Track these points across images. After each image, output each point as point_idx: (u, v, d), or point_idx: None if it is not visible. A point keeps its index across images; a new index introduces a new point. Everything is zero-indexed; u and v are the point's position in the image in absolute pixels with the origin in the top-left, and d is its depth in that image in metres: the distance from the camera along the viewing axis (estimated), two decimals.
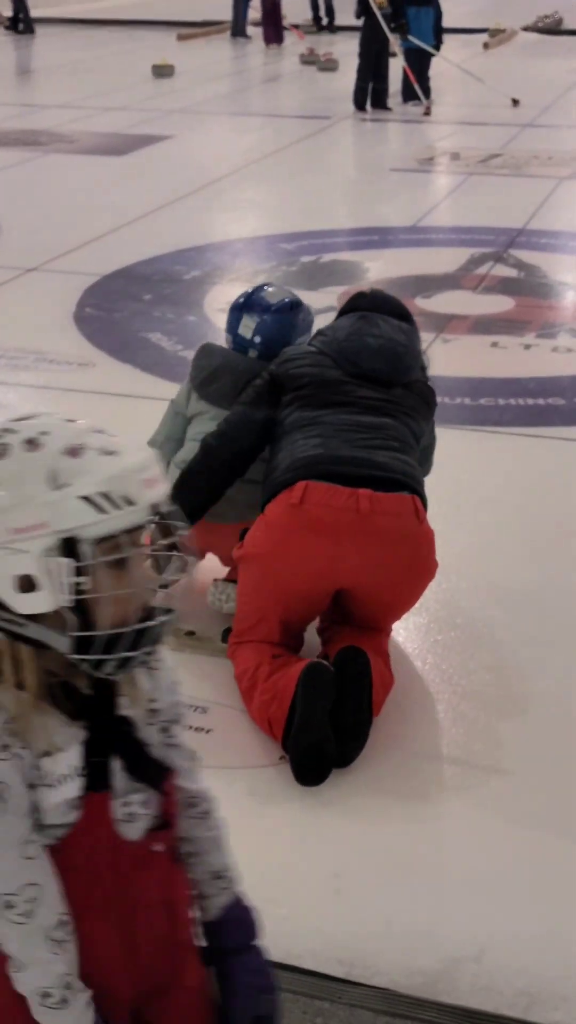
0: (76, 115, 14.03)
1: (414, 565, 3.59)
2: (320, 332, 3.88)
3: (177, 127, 13.34)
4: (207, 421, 3.97)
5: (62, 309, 7.25)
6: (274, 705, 3.40)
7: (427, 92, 14.65)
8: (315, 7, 22.94)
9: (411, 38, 14.23)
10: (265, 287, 4.16)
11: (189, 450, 4.00)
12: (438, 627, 4.06)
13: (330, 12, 22.75)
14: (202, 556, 4.09)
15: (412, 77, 14.61)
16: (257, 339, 4.03)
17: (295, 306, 4.09)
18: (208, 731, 3.54)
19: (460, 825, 3.25)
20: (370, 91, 14.36)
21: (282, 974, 2.25)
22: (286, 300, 4.09)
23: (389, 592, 3.60)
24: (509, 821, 3.24)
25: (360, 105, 14.37)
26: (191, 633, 3.98)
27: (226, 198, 10.29)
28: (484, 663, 3.89)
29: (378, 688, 3.45)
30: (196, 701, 3.63)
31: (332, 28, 22.73)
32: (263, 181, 10.95)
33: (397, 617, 3.78)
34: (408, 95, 14.77)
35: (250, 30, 21.33)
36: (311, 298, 7.41)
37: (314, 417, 3.61)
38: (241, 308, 4.08)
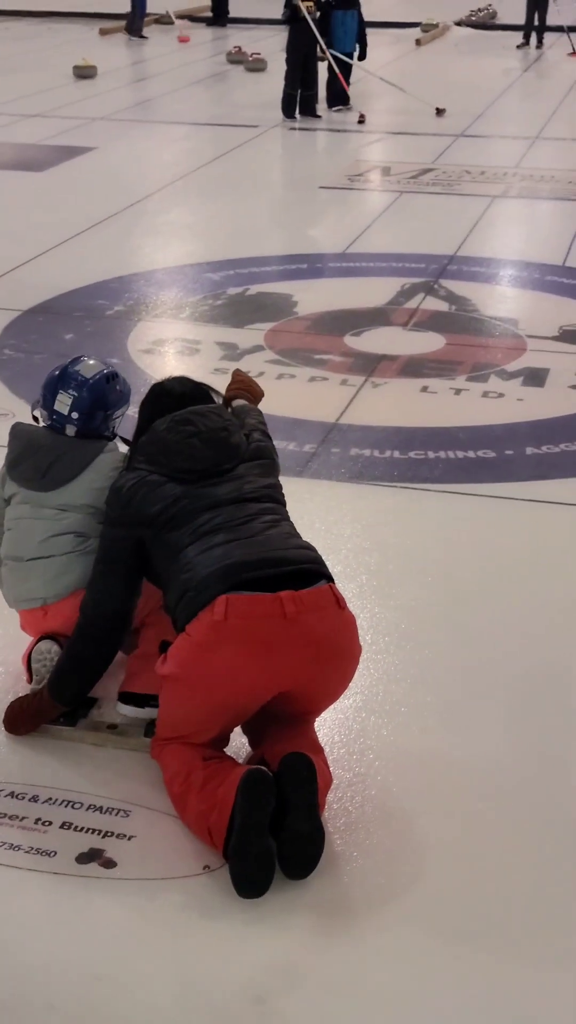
0: None
1: (344, 656, 3.53)
2: (139, 450, 3.77)
3: (100, 137, 13.05)
4: (18, 504, 3.97)
5: None
6: (214, 815, 3.31)
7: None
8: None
9: (333, 52, 14.11)
10: (81, 359, 4.08)
11: (9, 539, 3.98)
12: (367, 713, 3.95)
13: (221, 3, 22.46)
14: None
15: (344, 81, 14.48)
16: (75, 415, 3.97)
17: (111, 378, 4.04)
18: (131, 837, 3.41)
19: (407, 949, 3.09)
20: (299, 98, 14.17)
21: None
22: (102, 372, 4.03)
23: (322, 688, 3.55)
24: (462, 947, 3.09)
25: (289, 113, 14.19)
26: (113, 727, 3.85)
27: (151, 221, 10.07)
28: (416, 753, 3.76)
29: (323, 789, 3.39)
30: (118, 803, 3.52)
31: (219, 22, 22.48)
32: (189, 200, 10.75)
33: (328, 706, 3.69)
34: (333, 101, 14.62)
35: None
36: (237, 336, 7.38)
37: (194, 531, 3.52)
38: (56, 384, 4.01)
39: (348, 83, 14.57)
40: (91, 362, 4.07)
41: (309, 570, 3.47)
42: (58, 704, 3.80)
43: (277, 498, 3.70)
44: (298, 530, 3.66)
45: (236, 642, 3.34)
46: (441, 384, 6.70)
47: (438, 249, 9.19)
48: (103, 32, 21.08)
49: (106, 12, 22.54)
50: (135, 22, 20.56)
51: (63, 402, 3.97)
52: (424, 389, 6.64)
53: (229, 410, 3.96)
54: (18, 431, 4.09)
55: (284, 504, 3.73)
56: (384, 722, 3.91)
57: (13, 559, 3.96)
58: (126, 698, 3.89)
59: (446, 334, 7.47)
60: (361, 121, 14.03)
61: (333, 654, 3.46)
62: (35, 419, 4.08)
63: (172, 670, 3.46)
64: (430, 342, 7.35)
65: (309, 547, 3.58)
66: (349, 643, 3.51)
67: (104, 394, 4.00)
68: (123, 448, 4.01)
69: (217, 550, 3.45)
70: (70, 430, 3.98)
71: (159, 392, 3.89)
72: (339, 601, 3.47)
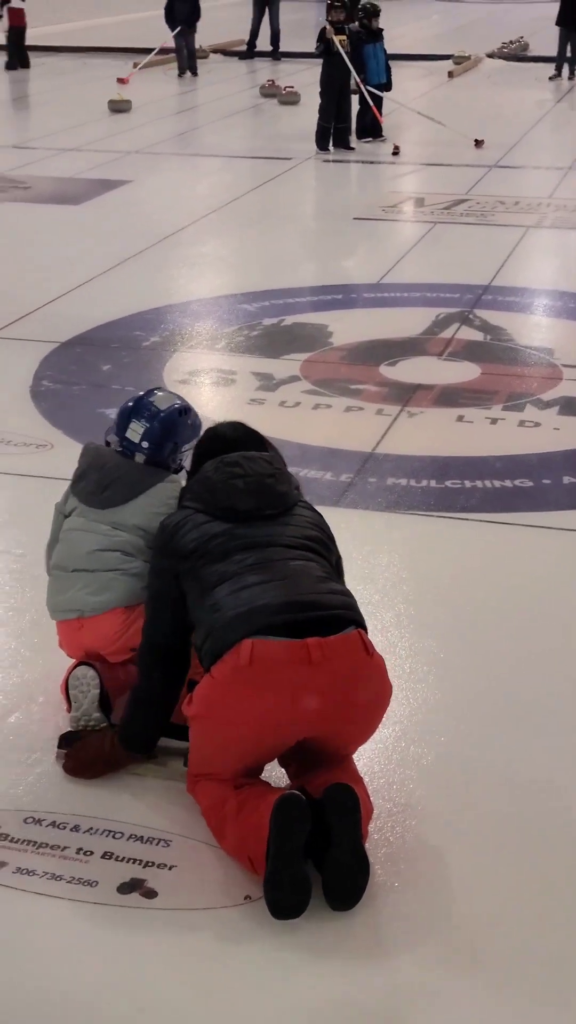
0: (31, 157, 13.87)
1: (372, 699, 3.52)
2: (187, 489, 3.82)
3: (135, 171, 13.16)
4: (74, 517, 4.06)
5: (18, 382, 7.07)
6: (251, 842, 3.31)
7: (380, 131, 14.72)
8: (254, 34, 22.73)
9: (369, 88, 14.28)
10: (155, 391, 4.20)
11: (59, 550, 4.06)
12: (406, 742, 3.94)
13: (275, 39, 22.55)
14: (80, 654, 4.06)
15: (377, 113, 14.58)
16: (145, 444, 4.07)
17: (183, 411, 4.13)
18: (172, 867, 3.41)
19: (447, 983, 3.07)
20: (332, 130, 14.27)
21: None
22: (175, 405, 4.13)
23: (350, 729, 3.55)
24: (501, 981, 3.06)
25: (323, 145, 14.28)
26: (153, 756, 3.85)
27: (186, 252, 10.13)
28: (456, 783, 3.75)
29: (364, 819, 3.38)
30: (159, 833, 3.52)
31: (277, 55, 22.60)
32: (224, 232, 10.81)
33: (359, 746, 3.69)
34: (363, 133, 14.72)
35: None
36: (273, 367, 7.41)
37: (225, 570, 3.53)
38: (130, 413, 4.11)
39: (381, 114, 14.67)
40: (164, 394, 4.18)
41: (340, 616, 3.46)
42: (130, 753, 3.79)
43: (319, 551, 3.66)
44: None
45: (260, 687, 3.34)
46: (477, 413, 6.70)
47: (472, 279, 9.21)
48: (137, 66, 21.21)
49: (141, 47, 22.72)
50: (186, 60, 20.65)
51: (135, 431, 4.06)
52: (460, 419, 6.65)
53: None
54: (88, 448, 4.19)
55: (327, 559, 3.67)
56: (424, 751, 3.90)
57: (60, 568, 4.05)
58: None
59: (481, 363, 7.48)
60: (396, 153, 14.09)
61: (359, 700, 3.46)
62: (107, 443, 4.16)
63: (198, 710, 3.47)
64: (465, 372, 7.36)
65: (343, 592, 3.56)
66: (377, 688, 3.51)
67: (175, 426, 4.09)
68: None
69: (246, 592, 3.45)
70: (139, 458, 4.07)
71: (212, 436, 3.94)
72: (367, 647, 3.45)
